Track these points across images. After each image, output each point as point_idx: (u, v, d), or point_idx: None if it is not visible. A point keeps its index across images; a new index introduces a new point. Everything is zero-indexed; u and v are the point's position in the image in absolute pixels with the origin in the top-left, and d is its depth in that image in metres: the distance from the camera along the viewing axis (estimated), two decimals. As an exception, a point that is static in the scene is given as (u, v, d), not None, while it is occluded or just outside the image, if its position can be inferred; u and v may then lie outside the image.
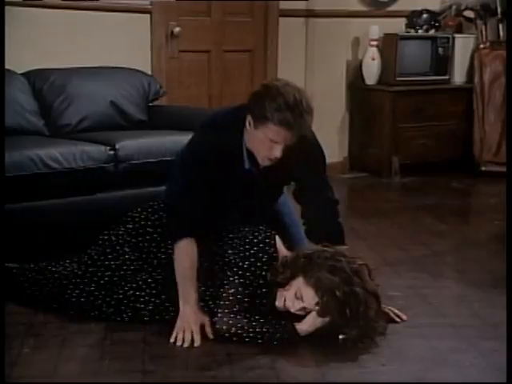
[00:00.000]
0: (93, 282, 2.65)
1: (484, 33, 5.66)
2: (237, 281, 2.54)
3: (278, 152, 2.52)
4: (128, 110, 4.16)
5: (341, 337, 2.42)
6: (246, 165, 2.64)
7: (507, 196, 3.30)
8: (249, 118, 2.55)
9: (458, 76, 5.66)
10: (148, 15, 4.72)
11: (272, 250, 2.61)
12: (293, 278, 2.51)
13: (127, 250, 2.67)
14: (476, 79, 5.60)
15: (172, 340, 2.46)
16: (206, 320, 2.52)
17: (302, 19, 5.39)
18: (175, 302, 2.57)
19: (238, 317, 2.47)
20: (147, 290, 2.61)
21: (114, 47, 4.48)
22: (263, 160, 2.58)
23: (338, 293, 2.41)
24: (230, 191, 2.71)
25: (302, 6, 5.35)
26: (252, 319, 2.47)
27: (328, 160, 2.80)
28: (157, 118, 4.22)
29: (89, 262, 2.69)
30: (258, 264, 2.57)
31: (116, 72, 4.28)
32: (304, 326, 2.46)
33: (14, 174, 3.15)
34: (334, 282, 2.43)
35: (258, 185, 2.70)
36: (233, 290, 2.52)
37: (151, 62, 4.75)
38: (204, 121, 2.78)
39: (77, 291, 2.65)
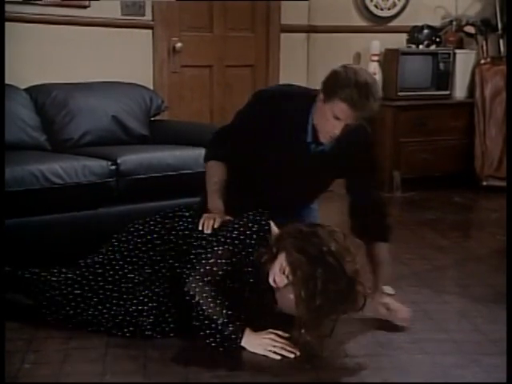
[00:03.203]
0: (90, 297, 2.65)
1: (485, 48, 5.68)
2: (220, 251, 2.54)
3: (338, 129, 2.61)
4: (130, 125, 4.17)
5: (302, 330, 2.44)
6: (309, 138, 2.73)
7: (507, 210, 3.30)
8: (320, 93, 2.66)
9: (459, 91, 5.68)
10: (150, 31, 4.75)
11: (263, 230, 2.61)
12: (277, 255, 2.54)
13: (125, 264, 2.67)
14: (477, 94, 5.61)
15: (200, 227, 2.64)
16: (227, 218, 2.68)
17: (303, 34, 5.42)
18: (175, 314, 2.58)
19: (206, 288, 2.46)
20: (149, 304, 2.61)
21: (116, 62, 4.51)
22: (324, 136, 2.68)
23: (299, 271, 2.44)
24: (282, 157, 2.76)
25: (303, 21, 5.38)
26: (215, 303, 2.44)
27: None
28: (158, 133, 4.23)
29: (86, 274, 2.69)
30: (247, 241, 2.58)
31: (118, 87, 4.30)
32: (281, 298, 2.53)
33: (15, 189, 3.15)
34: (299, 260, 2.45)
35: (311, 163, 2.75)
36: (212, 260, 2.52)
37: (153, 77, 4.77)
38: (280, 86, 3.08)
39: (72, 303, 2.65)
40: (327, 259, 2.45)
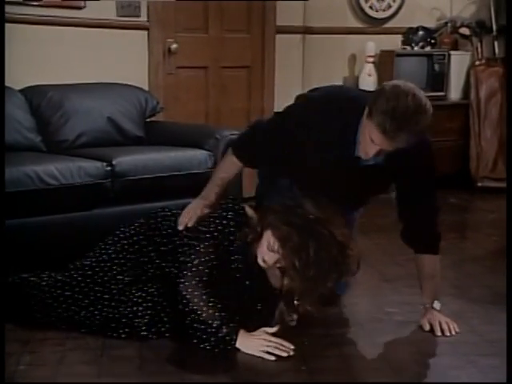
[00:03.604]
0: (81, 299, 2.65)
1: (479, 50, 5.69)
2: (202, 249, 2.54)
3: (371, 151, 2.49)
4: (125, 126, 4.16)
5: (296, 302, 2.48)
6: (356, 151, 2.58)
7: (507, 210, 3.30)
8: (367, 108, 2.50)
9: (454, 92, 5.69)
10: (145, 32, 4.73)
11: (239, 215, 2.61)
12: (262, 234, 2.54)
13: (113, 266, 2.68)
14: (472, 96, 5.63)
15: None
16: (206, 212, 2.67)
17: (298, 36, 5.42)
18: (170, 314, 2.58)
19: (197, 292, 2.46)
20: (143, 305, 2.61)
21: (111, 63, 4.49)
22: (361, 152, 2.56)
23: (290, 243, 2.45)
24: (327, 166, 2.64)
25: (298, 22, 5.38)
26: (208, 306, 2.44)
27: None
28: (154, 134, 4.22)
29: (75, 276, 2.69)
30: (226, 231, 2.58)
31: (113, 88, 4.29)
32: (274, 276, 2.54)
33: (11, 190, 3.14)
34: (288, 231, 2.45)
35: (361, 175, 2.63)
36: (197, 261, 2.52)
37: (148, 79, 4.76)
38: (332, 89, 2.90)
39: (64, 305, 2.65)
40: (315, 227, 2.47)
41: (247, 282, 2.62)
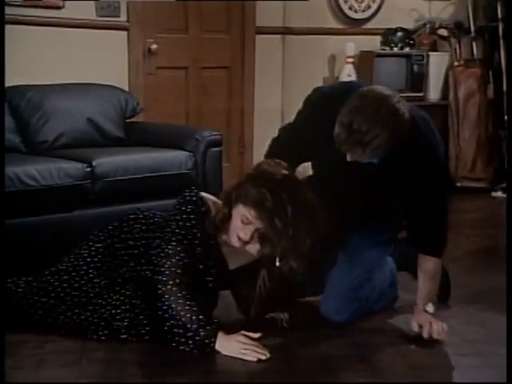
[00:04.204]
0: (58, 304, 2.63)
1: (458, 51, 5.74)
2: (171, 250, 2.53)
3: (348, 157, 2.45)
4: (105, 127, 4.15)
5: (277, 264, 2.49)
6: None
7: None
8: None
9: (433, 93, 5.73)
10: (125, 32, 4.73)
11: (198, 205, 2.59)
12: (231, 212, 2.54)
13: (89, 269, 2.67)
14: (451, 96, 5.67)
15: None
16: None
17: (278, 36, 5.44)
18: (150, 317, 2.58)
19: (178, 294, 2.46)
20: (122, 307, 2.60)
21: (91, 64, 4.49)
22: None
23: (266, 203, 2.44)
24: (335, 161, 2.57)
25: (278, 23, 5.40)
26: (186, 310, 2.44)
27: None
28: (134, 135, 4.22)
29: (51, 281, 2.67)
30: (188, 224, 2.56)
31: (93, 89, 4.28)
32: (252, 249, 2.54)
33: (-10, 192, 3.13)
34: (260, 193, 2.45)
35: (362, 174, 2.56)
36: (168, 264, 2.52)
37: (128, 79, 4.76)
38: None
39: (40, 311, 2.63)
40: (285, 185, 2.48)
41: (213, 270, 2.62)
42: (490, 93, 5.76)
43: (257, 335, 2.51)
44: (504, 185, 5.55)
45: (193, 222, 2.57)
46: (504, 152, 5.76)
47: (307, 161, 2.78)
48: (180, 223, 2.56)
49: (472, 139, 5.66)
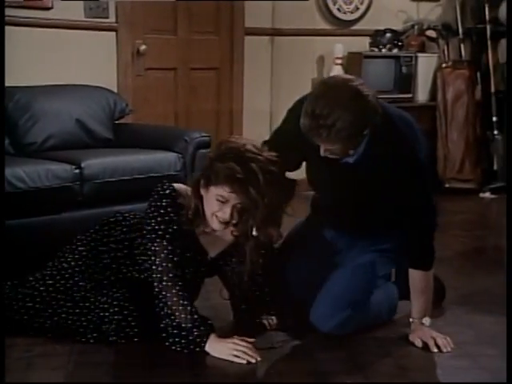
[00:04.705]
0: (43, 309, 2.63)
1: (446, 52, 5.77)
2: (157, 247, 2.53)
3: (322, 150, 2.46)
4: (94, 129, 4.14)
5: (254, 233, 2.50)
6: None
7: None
8: None
9: (421, 94, 5.75)
10: (114, 33, 4.72)
11: (172, 197, 2.58)
12: (203, 195, 2.54)
13: (74, 273, 2.67)
14: (439, 98, 5.69)
15: None
16: None
17: (267, 37, 5.44)
18: (139, 318, 2.58)
19: (174, 290, 2.47)
20: (110, 310, 2.60)
21: (79, 65, 4.48)
22: None
23: (238, 175, 2.44)
24: (317, 164, 2.60)
25: (267, 24, 5.40)
26: (180, 309, 2.46)
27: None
28: (123, 137, 4.21)
29: (36, 286, 2.67)
30: (167, 218, 2.55)
31: (82, 90, 4.26)
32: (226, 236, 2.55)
33: (-23, 194, 3.11)
34: (230, 167, 2.45)
35: (343, 175, 2.56)
36: (158, 260, 2.51)
37: (117, 80, 4.75)
38: None
39: (25, 317, 2.63)
40: (250, 155, 2.48)
41: (193, 262, 2.64)
42: (478, 94, 5.79)
43: (250, 340, 2.51)
44: (492, 185, 5.59)
45: (171, 215, 2.56)
46: (492, 153, 5.80)
47: (298, 165, 2.76)
48: (159, 219, 2.55)
49: (460, 140, 5.68)
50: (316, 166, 2.65)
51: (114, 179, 3.62)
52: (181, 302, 2.47)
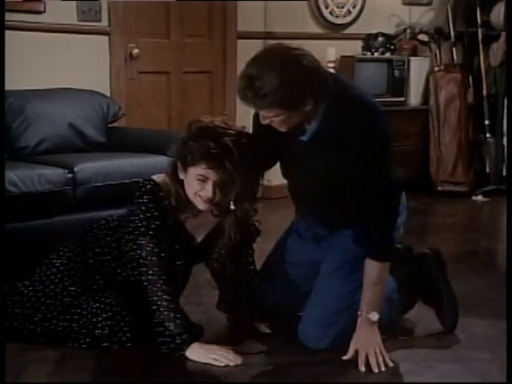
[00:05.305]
0: (32, 314, 2.63)
1: (438, 56, 5.79)
2: (144, 241, 2.53)
3: (266, 121, 2.41)
4: (87, 132, 4.14)
5: (232, 207, 2.53)
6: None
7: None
8: None
9: (414, 98, 5.77)
10: (107, 37, 4.72)
11: (154, 191, 2.58)
12: (183, 179, 2.55)
13: (63, 277, 2.68)
14: (431, 101, 5.72)
15: None
16: None
17: (260, 41, 5.44)
18: (131, 323, 2.59)
19: (164, 288, 2.48)
20: (103, 315, 2.60)
21: (72, 69, 4.47)
22: None
23: (213, 151, 2.46)
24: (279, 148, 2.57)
25: (260, 28, 5.41)
26: (167, 312, 2.46)
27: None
28: (116, 140, 4.21)
29: (25, 292, 2.68)
30: (156, 213, 2.55)
31: (74, 94, 4.26)
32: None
33: (-30, 199, 3.11)
34: (204, 145, 2.46)
35: (302, 156, 2.49)
36: (144, 253, 2.53)
37: (110, 84, 4.74)
38: None
39: (15, 323, 2.63)
40: (221, 130, 2.50)
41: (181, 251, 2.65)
42: (470, 97, 5.82)
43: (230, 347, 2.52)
44: (485, 188, 5.61)
45: (152, 210, 2.56)
46: (484, 156, 5.83)
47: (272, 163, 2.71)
48: (141, 216, 2.56)
49: (453, 143, 5.71)
50: (284, 157, 2.62)
51: (106, 183, 3.62)
52: (165, 297, 2.48)
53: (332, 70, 5.33)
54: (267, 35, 5.43)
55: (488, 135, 5.75)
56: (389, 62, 5.57)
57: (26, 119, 3.95)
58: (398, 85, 5.62)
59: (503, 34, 5.46)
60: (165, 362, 2.46)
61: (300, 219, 2.78)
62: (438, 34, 5.74)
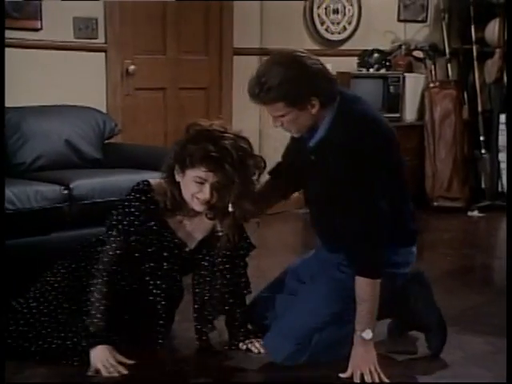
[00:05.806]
0: (27, 331, 2.63)
1: (433, 72, 5.82)
2: (106, 238, 2.59)
3: (277, 123, 2.55)
4: (83, 149, 4.14)
5: (230, 209, 2.53)
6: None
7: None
8: None
9: (409, 114, 5.79)
10: (103, 53, 4.73)
11: (146, 192, 2.62)
12: (180, 181, 2.56)
13: (58, 294, 2.68)
14: (427, 117, 5.74)
15: None
16: None
17: (256, 57, 5.46)
18: (125, 339, 2.61)
19: (98, 286, 2.54)
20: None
21: (68, 85, 4.48)
22: None
23: (212, 154, 2.48)
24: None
25: (256, 44, 5.43)
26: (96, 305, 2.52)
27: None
28: (112, 157, 4.21)
29: (19, 310, 2.68)
30: (136, 223, 2.58)
31: (71, 110, 4.27)
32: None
33: (-34, 216, 3.10)
34: (204, 147, 2.48)
35: (309, 163, 2.60)
36: (104, 248, 2.57)
37: (106, 100, 4.75)
38: None
39: (9, 340, 2.62)
40: (219, 133, 2.52)
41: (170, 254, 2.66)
42: (465, 113, 5.84)
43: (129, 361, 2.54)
44: (480, 204, 5.62)
45: (133, 209, 2.58)
46: (480, 172, 5.84)
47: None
48: (120, 210, 2.61)
49: (448, 159, 5.72)
50: (298, 167, 2.68)
51: (102, 200, 3.61)
52: (96, 296, 2.52)
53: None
54: (263, 51, 5.45)
55: (483, 151, 5.77)
56: (384, 78, 5.59)
57: (23, 136, 3.95)
58: (394, 101, 5.63)
59: (498, 50, 5.50)
60: (161, 378, 2.45)
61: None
62: (433, 51, 5.77)
